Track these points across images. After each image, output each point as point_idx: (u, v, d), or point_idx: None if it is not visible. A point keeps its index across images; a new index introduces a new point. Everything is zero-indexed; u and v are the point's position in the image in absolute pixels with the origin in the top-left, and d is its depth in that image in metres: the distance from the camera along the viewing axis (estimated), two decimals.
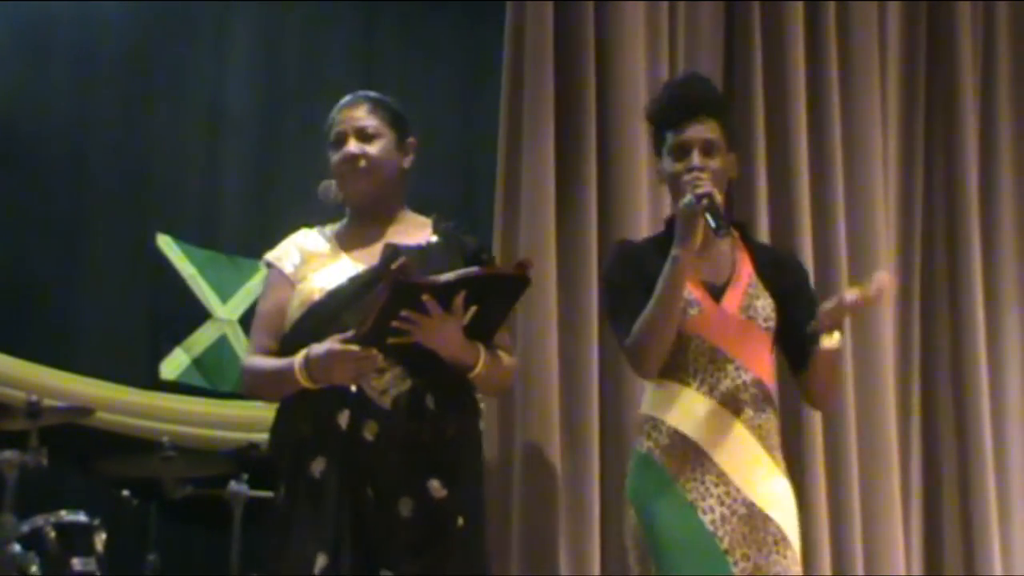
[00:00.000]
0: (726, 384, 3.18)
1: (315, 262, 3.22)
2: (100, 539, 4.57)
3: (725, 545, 3.08)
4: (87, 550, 4.52)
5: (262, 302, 3.28)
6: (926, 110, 4.89)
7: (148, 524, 4.95)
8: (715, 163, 3.24)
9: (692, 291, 3.21)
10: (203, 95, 5.84)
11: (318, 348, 2.99)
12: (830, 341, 3.18)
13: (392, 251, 3.12)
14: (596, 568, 4.01)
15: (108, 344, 5.56)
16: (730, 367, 3.20)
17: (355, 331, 2.95)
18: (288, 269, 3.25)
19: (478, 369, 3.08)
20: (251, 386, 3.25)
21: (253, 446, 5.08)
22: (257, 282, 5.68)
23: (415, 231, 3.26)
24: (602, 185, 4.21)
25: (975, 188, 4.86)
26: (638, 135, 4.19)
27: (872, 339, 4.61)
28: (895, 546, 4.50)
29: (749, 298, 3.25)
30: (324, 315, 3.10)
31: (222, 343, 5.68)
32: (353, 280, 3.14)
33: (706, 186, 3.12)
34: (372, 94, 3.32)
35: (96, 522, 4.59)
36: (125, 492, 4.93)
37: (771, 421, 3.25)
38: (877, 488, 4.51)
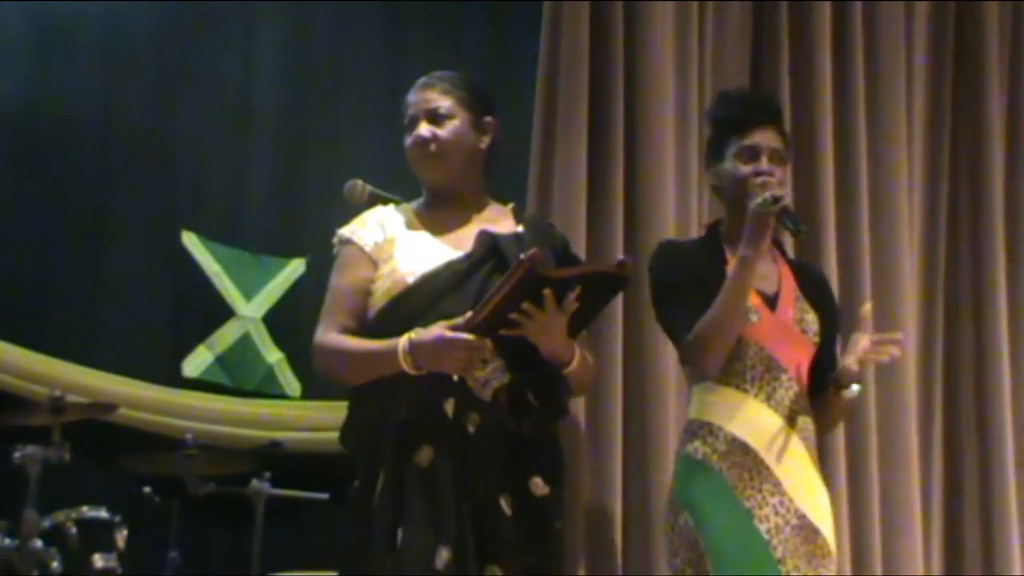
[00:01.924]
0: (781, 394, 3.21)
1: (401, 242, 3.12)
2: (122, 536, 4.57)
3: (779, 554, 3.10)
4: (109, 546, 4.53)
5: (338, 278, 3.15)
6: (952, 112, 4.87)
7: (170, 521, 4.96)
8: (781, 172, 3.28)
9: (751, 298, 3.22)
10: (229, 92, 5.84)
11: (427, 334, 2.91)
12: (850, 393, 3.25)
13: (490, 239, 3.05)
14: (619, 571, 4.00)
15: (131, 341, 5.56)
16: (783, 376, 3.22)
17: (467, 320, 2.88)
18: (369, 246, 3.14)
19: (573, 366, 3.02)
20: (331, 365, 3.10)
21: (276, 444, 5.08)
22: (281, 281, 5.70)
23: (500, 218, 3.20)
24: (629, 186, 4.20)
25: (1000, 192, 4.83)
26: (666, 135, 4.18)
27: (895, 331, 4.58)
28: (915, 551, 4.48)
29: (800, 311, 3.29)
30: (420, 300, 3.01)
31: (245, 341, 5.68)
32: (449, 266, 3.04)
33: (780, 189, 3.16)
34: (447, 74, 3.23)
35: (118, 519, 4.59)
36: (147, 489, 4.92)
37: (814, 433, 3.28)
38: (897, 493, 4.49)
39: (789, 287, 3.31)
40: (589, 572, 3.95)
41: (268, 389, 5.64)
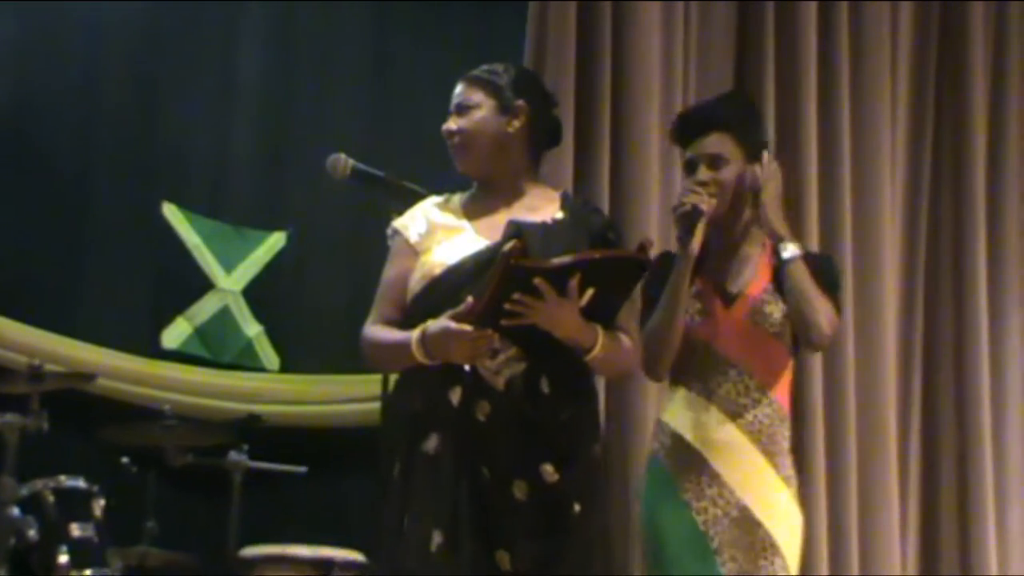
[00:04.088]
0: (726, 388, 3.24)
1: (440, 233, 3.17)
2: (99, 505, 4.59)
3: (715, 545, 3.15)
4: (86, 516, 4.54)
5: (386, 270, 3.22)
6: (935, 111, 4.91)
7: (147, 492, 4.96)
8: (723, 175, 3.29)
9: (706, 297, 3.29)
10: (213, 64, 5.83)
11: (434, 325, 2.95)
12: (787, 250, 3.22)
13: (514, 229, 3.04)
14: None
15: (111, 312, 5.56)
16: (732, 372, 3.26)
17: (468, 310, 2.90)
18: (413, 238, 3.19)
19: (595, 352, 3.02)
20: (368, 356, 3.19)
21: (254, 417, 5.09)
22: (261, 254, 5.70)
23: (543, 205, 3.20)
24: (614, 183, 4.23)
25: (981, 185, 4.87)
26: (651, 131, 4.21)
27: (875, 329, 4.62)
28: (891, 535, 4.52)
29: (759, 303, 3.29)
30: (443, 291, 3.04)
31: (224, 314, 5.68)
32: (474, 256, 3.08)
33: (696, 198, 3.20)
34: (479, 69, 3.25)
35: (95, 488, 4.60)
36: (125, 459, 4.93)
37: (774, 425, 3.28)
38: (875, 477, 4.53)
39: (761, 282, 3.32)
40: None
41: (246, 362, 5.65)
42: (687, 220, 3.18)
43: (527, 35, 4.24)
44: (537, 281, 2.88)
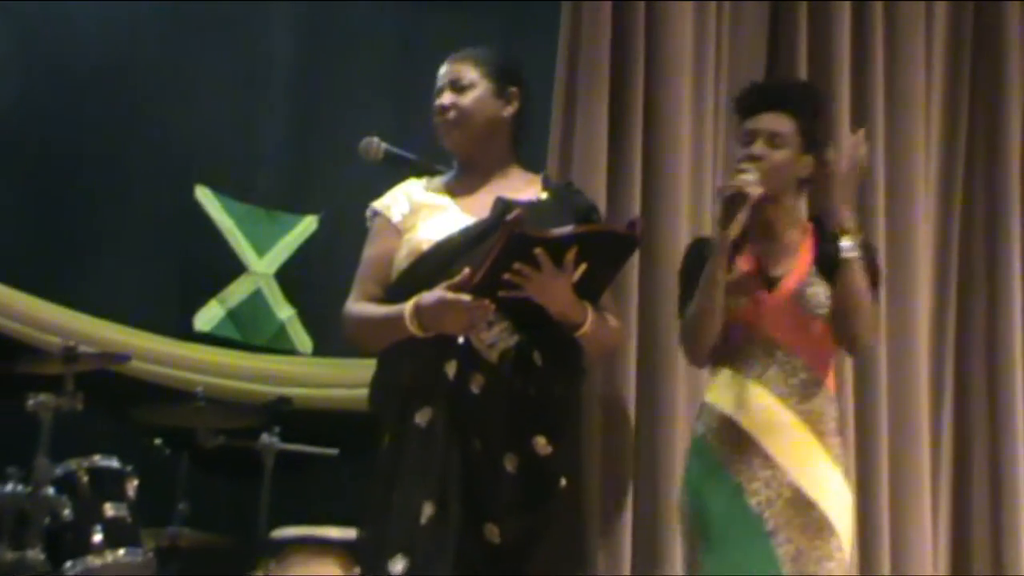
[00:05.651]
0: (774, 370, 3.24)
1: (424, 212, 3.19)
2: (132, 485, 4.63)
3: (770, 527, 3.14)
4: (119, 496, 4.58)
5: (368, 249, 3.25)
6: (970, 110, 4.87)
7: (179, 473, 4.99)
8: (779, 155, 3.28)
9: (748, 281, 3.27)
10: (245, 46, 5.85)
11: (429, 296, 2.96)
12: (847, 248, 3.20)
13: (504, 205, 3.09)
14: (627, 551, 4.02)
15: (143, 294, 5.59)
16: (779, 353, 3.25)
17: (465, 280, 2.92)
18: (396, 218, 3.22)
19: (585, 328, 3.05)
20: (354, 333, 3.21)
21: (285, 400, 5.12)
22: (294, 237, 5.72)
23: (524, 187, 3.23)
24: (646, 183, 4.22)
25: (1016, 184, 4.83)
26: (683, 130, 4.20)
27: (907, 326, 4.60)
28: (923, 533, 4.49)
29: (802, 286, 3.28)
30: (433, 265, 3.07)
31: (257, 297, 5.71)
32: (463, 232, 3.11)
33: (744, 180, 3.17)
34: (473, 49, 3.29)
35: (129, 468, 4.64)
36: (158, 440, 4.97)
37: (823, 406, 3.28)
38: (907, 475, 4.51)
39: (803, 264, 3.32)
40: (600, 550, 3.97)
41: (279, 345, 5.68)
42: (731, 204, 3.16)
43: (560, 34, 4.24)
44: (538, 251, 2.90)
